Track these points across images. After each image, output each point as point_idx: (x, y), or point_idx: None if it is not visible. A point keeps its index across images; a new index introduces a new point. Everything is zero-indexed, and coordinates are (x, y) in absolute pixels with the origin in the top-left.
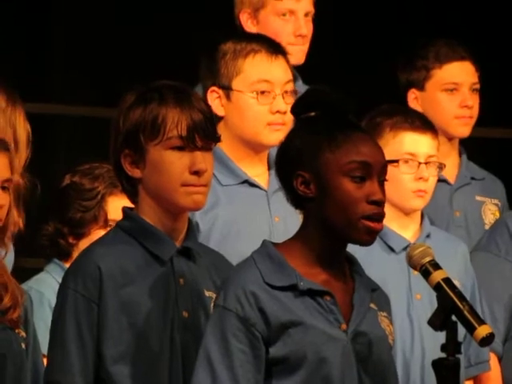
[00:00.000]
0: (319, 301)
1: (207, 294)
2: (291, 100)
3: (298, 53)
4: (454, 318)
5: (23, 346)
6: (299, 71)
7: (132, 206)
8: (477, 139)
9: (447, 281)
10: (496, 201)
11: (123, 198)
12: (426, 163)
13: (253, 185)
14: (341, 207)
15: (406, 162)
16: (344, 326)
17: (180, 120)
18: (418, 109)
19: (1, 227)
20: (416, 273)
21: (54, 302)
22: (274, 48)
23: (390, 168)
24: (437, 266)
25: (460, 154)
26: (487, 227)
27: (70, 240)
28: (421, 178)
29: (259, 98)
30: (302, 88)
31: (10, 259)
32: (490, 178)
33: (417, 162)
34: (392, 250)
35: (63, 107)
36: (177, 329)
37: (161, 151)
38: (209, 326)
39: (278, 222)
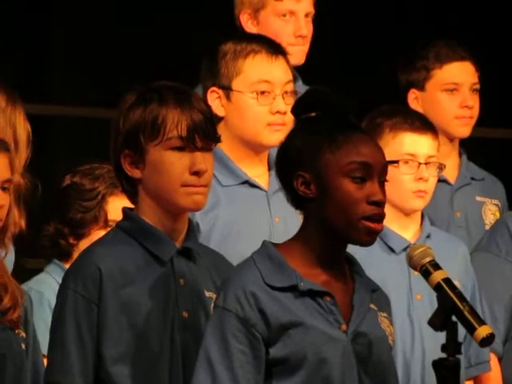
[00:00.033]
0: (319, 301)
1: (207, 294)
2: (291, 100)
3: (298, 53)
4: (454, 318)
5: (23, 346)
6: (299, 72)
7: (132, 206)
8: (477, 139)
9: (447, 281)
10: (496, 201)
11: (123, 198)
12: (426, 164)
13: (253, 185)
14: (341, 208)
15: (406, 162)
16: (344, 327)
17: (180, 120)
18: (419, 109)
19: (1, 228)
20: (416, 273)
21: (53, 302)
22: (274, 48)
23: (390, 169)
24: (437, 267)
25: (460, 155)
26: (487, 227)
27: (71, 240)
28: (421, 179)
29: (259, 98)
30: (302, 88)
31: (10, 260)
32: (490, 179)
33: (417, 163)
34: (392, 250)
35: (63, 108)
36: (177, 329)
37: (161, 152)
38: (209, 327)
39: (278, 222)
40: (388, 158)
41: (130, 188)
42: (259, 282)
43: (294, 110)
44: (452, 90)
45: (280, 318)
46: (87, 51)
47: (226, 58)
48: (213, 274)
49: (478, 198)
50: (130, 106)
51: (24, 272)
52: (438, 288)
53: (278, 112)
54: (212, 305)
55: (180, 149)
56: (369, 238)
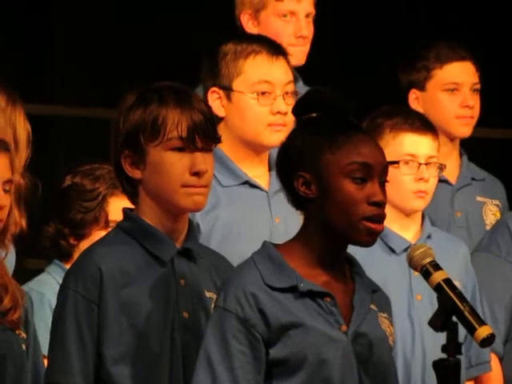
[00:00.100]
0: (319, 302)
1: (208, 294)
2: (292, 101)
3: (299, 54)
4: (454, 318)
5: (23, 347)
6: (300, 72)
7: (132, 206)
8: (478, 140)
9: (448, 281)
10: (497, 201)
11: (124, 198)
12: (426, 164)
13: (253, 186)
14: (341, 208)
15: (407, 163)
16: (344, 328)
17: (180, 121)
18: (419, 109)
19: (1, 228)
20: (417, 274)
21: (54, 302)
22: (275, 49)
23: (390, 169)
24: (437, 267)
25: (461, 155)
26: (488, 228)
27: (71, 241)
28: (421, 179)
29: (260, 98)
30: (303, 89)
31: (11, 260)
32: (491, 179)
33: (417, 163)
34: (393, 251)
35: (63, 108)
36: (177, 329)
37: (161, 152)
38: (209, 327)
39: (279, 222)
40: (388, 159)
41: (131, 188)
42: (259, 283)
43: (295, 111)
44: (452, 90)
45: (280, 318)
46: (87, 51)
47: (227, 58)
48: (213, 274)
49: (479, 199)
50: (130, 106)
51: (25, 272)
52: (438, 288)
53: (278, 112)
54: (212, 305)
55: (180, 149)
56: (369, 238)
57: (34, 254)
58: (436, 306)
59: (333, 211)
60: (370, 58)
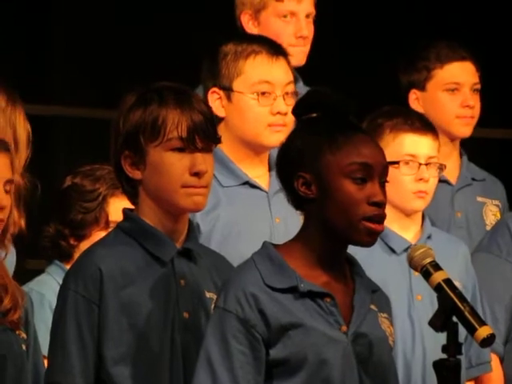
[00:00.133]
0: (319, 303)
1: (208, 295)
2: (292, 101)
3: (299, 54)
4: (454, 318)
5: (24, 347)
6: (300, 73)
7: (132, 207)
8: (478, 140)
9: (448, 282)
10: (497, 202)
11: (124, 199)
12: (426, 164)
13: (253, 186)
14: (342, 208)
15: (407, 163)
16: (344, 328)
17: (180, 121)
18: (420, 109)
19: (2, 228)
20: (417, 274)
21: (54, 303)
22: (275, 49)
23: (390, 169)
24: (437, 267)
25: (461, 155)
26: (488, 228)
27: (71, 241)
28: (421, 179)
29: (260, 99)
30: (303, 89)
31: (11, 261)
32: (491, 179)
33: (417, 164)
34: (393, 251)
35: (63, 108)
36: (177, 330)
37: (161, 152)
38: (209, 328)
39: (279, 223)
40: (388, 159)
41: (131, 189)
42: (259, 283)
43: (295, 111)
44: (453, 90)
45: (280, 319)
46: (87, 51)
47: (227, 58)
48: (213, 274)
49: (479, 199)
50: (130, 106)
51: (25, 273)
52: (438, 289)
53: (278, 113)
54: (212, 305)
55: (180, 150)
56: (369, 238)
57: (34, 255)
58: (436, 306)
59: (333, 211)
60: (370, 58)
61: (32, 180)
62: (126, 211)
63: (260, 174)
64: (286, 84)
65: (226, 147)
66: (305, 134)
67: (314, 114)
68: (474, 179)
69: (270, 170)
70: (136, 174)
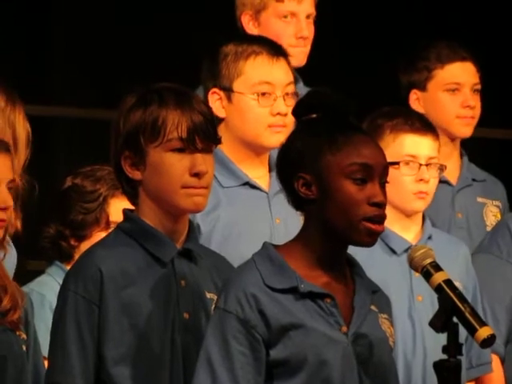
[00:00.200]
0: (320, 303)
1: (208, 295)
2: (292, 102)
3: (300, 55)
4: (455, 319)
5: (24, 348)
6: (300, 73)
7: (133, 207)
8: (478, 140)
9: (448, 282)
10: (497, 202)
11: (125, 199)
12: (426, 165)
13: (254, 187)
14: (342, 209)
15: (407, 163)
16: (344, 329)
17: (180, 122)
18: (420, 110)
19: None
20: (417, 274)
21: (55, 304)
22: (275, 50)
23: (390, 170)
24: (438, 268)
25: (461, 156)
26: (489, 229)
27: (72, 242)
28: (421, 180)
29: (260, 99)
30: (304, 90)
31: (12, 262)
32: (491, 180)
33: (417, 164)
34: (393, 251)
35: (63, 109)
36: (178, 330)
37: (161, 153)
38: (209, 328)
39: (279, 223)
40: (389, 160)
41: (131, 189)
42: (259, 284)
43: (295, 112)
44: (453, 90)
45: (280, 319)
46: (87, 51)
47: (227, 59)
48: (214, 275)
49: (479, 200)
50: (131, 107)
51: (26, 274)
52: (438, 289)
53: (278, 113)
54: (213, 306)
55: (180, 150)
56: (370, 239)
57: (34, 256)
58: (437, 306)
59: (333, 212)
60: (370, 58)
61: (30, 180)
62: (126, 212)
63: (260, 174)
64: (287, 85)
65: (226, 148)
66: (305, 134)
67: (314, 115)
68: (474, 180)
69: (270, 170)
70: (136, 175)
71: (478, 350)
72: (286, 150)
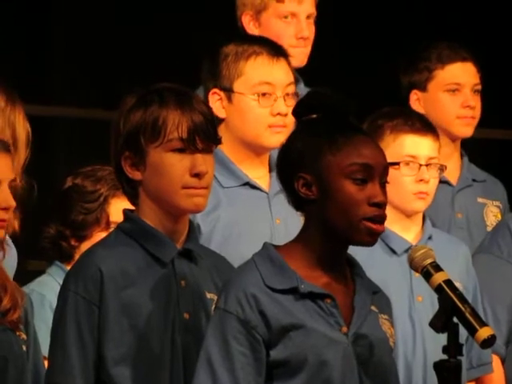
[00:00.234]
0: (320, 304)
1: (208, 295)
2: (292, 102)
3: (300, 55)
4: (455, 319)
5: (24, 348)
6: (301, 73)
7: (133, 208)
8: (478, 140)
9: (448, 283)
10: (497, 203)
11: (125, 200)
12: (426, 165)
13: (254, 187)
14: (342, 209)
15: (407, 164)
16: (345, 329)
17: (181, 122)
18: (421, 110)
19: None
20: (417, 275)
21: (55, 304)
22: (276, 50)
23: (390, 170)
24: (438, 268)
25: (462, 156)
26: (489, 229)
27: (72, 242)
28: (422, 180)
29: (260, 100)
30: (304, 90)
31: (13, 262)
32: (491, 180)
33: (417, 164)
34: (393, 252)
35: (63, 109)
36: (178, 331)
37: (161, 153)
38: (209, 329)
39: (279, 224)
40: (389, 160)
41: (131, 190)
42: (260, 284)
43: (295, 112)
44: (454, 91)
45: (281, 320)
46: (87, 51)
47: (228, 59)
48: (214, 275)
49: (480, 200)
50: (131, 107)
51: (26, 274)
52: (439, 290)
53: (278, 114)
54: (213, 306)
55: (180, 150)
56: (370, 238)
57: (35, 256)
58: (437, 307)
59: (333, 212)
60: (370, 58)
61: (28, 181)
62: (126, 212)
63: (260, 174)
64: (287, 85)
65: (226, 148)
66: (305, 135)
67: (314, 115)
68: (474, 180)
69: (270, 170)
70: (136, 175)
71: (478, 351)
72: (286, 150)
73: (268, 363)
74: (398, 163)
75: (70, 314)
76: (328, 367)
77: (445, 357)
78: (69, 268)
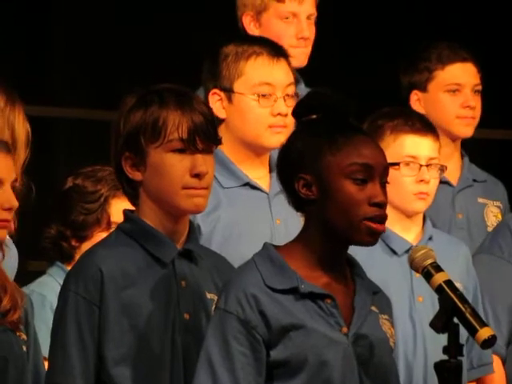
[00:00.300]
0: (320, 304)
1: (209, 296)
2: (292, 103)
3: (301, 55)
4: (455, 320)
5: (24, 348)
6: (301, 74)
7: (133, 208)
8: (478, 140)
9: (449, 283)
10: (498, 203)
11: (126, 200)
12: (427, 165)
13: (254, 187)
14: (342, 209)
15: (407, 164)
16: (345, 329)
17: (181, 122)
18: (421, 110)
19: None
20: (418, 275)
21: (55, 304)
22: (276, 51)
23: (391, 171)
24: (439, 269)
25: (462, 157)
26: (489, 229)
27: (73, 243)
28: (422, 181)
29: (260, 100)
30: (305, 91)
31: (13, 263)
32: (492, 181)
33: (418, 165)
34: (394, 252)
35: (63, 109)
36: (178, 331)
37: (161, 154)
38: (210, 329)
39: (280, 224)
40: (389, 160)
41: (131, 190)
42: (260, 284)
43: (295, 113)
44: (454, 91)
45: (281, 320)
46: (87, 51)
47: (228, 59)
48: (214, 275)
49: (480, 200)
50: (131, 108)
51: (27, 274)
52: (439, 290)
53: (279, 114)
54: (213, 306)
55: (181, 151)
56: (371, 238)
57: (35, 256)
58: (437, 307)
59: (334, 212)
60: (370, 58)
61: (27, 182)
62: (126, 212)
63: (261, 175)
64: (287, 85)
65: (226, 148)
66: (305, 135)
67: (314, 116)
68: (475, 180)
69: (270, 171)
70: (136, 176)
71: (478, 351)
72: (286, 150)
73: (268, 363)
74: (398, 163)
75: (70, 314)
76: (328, 367)
77: (445, 357)
78: (69, 268)
